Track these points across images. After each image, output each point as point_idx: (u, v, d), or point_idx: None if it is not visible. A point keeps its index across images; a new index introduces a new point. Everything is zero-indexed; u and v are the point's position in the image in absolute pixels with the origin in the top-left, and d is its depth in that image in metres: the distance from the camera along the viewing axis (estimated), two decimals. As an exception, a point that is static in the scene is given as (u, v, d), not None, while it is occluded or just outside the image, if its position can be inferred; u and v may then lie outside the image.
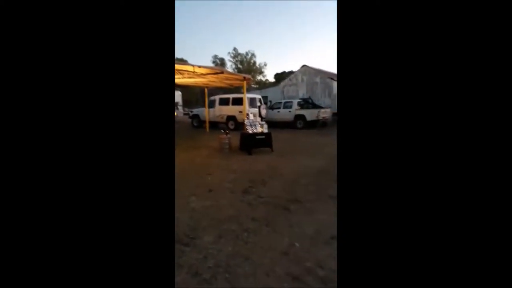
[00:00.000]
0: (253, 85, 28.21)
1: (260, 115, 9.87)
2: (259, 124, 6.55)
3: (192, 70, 6.78)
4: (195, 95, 29.22)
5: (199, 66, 6.37)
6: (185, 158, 5.78)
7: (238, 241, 2.28)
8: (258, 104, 11.35)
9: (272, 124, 10.31)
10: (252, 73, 30.25)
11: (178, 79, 8.13)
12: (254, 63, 35.16)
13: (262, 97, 12.88)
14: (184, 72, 7.27)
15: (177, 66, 6.89)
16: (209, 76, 7.71)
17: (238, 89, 14.21)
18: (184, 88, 14.24)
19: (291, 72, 22.77)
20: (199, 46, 60.36)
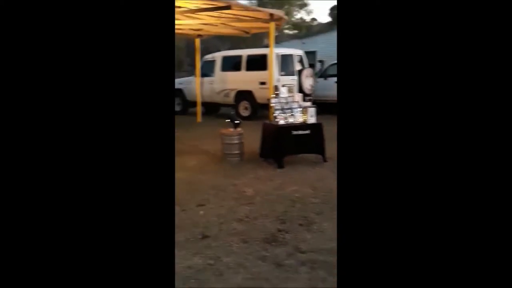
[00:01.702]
0: (287, 31, 28.27)
1: (301, 90, 9.81)
2: (300, 107, 6.50)
3: (177, 5, 6.91)
4: (179, 52, 29.69)
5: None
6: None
7: None
8: (299, 67, 11.32)
9: (325, 106, 10.21)
10: (288, 8, 30.24)
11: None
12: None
13: (307, 53, 12.81)
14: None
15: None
16: (204, 15, 7.81)
17: (258, 39, 14.20)
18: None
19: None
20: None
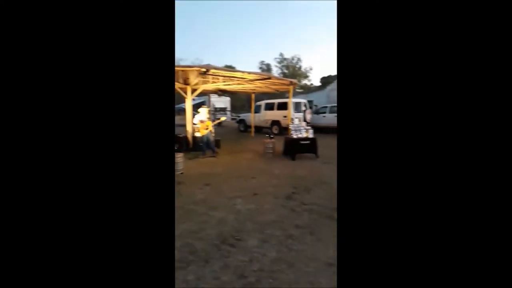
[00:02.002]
0: (297, 90, 27.93)
1: (305, 120, 9.69)
2: (304, 128, 6.43)
3: (241, 77, 7.02)
4: (242, 101, 30.18)
5: (249, 73, 6.57)
6: (231, 161, 5.99)
7: (281, 247, 2.27)
8: (303, 108, 11.18)
9: (317, 129, 10.04)
10: (298, 78, 29.93)
11: (228, 86, 8.50)
12: (300, 67, 34.78)
13: (307, 101, 12.64)
14: (233, 78, 7.58)
15: (227, 73, 7.22)
16: (256, 82, 7.89)
17: (282, 94, 14.23)
18: (232, 94, 14.81)
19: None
20: (246, 53, 62.35)
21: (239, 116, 14.82)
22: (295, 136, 6.27)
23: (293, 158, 6.04)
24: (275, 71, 34.36)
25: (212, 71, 6.39)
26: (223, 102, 18.19)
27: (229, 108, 18.64)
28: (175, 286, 1.66)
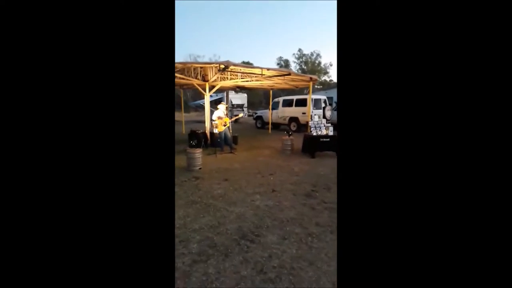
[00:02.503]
0: (317, 86, 27.41)
1: (324, 117, 9.48)
2: (324, 126, 6.29)
3: (260, 73, 6.99)
4: (259, 97, 30.17)
5: (268, 69, 6.53)
6: (249, 157, 6.00)
7: (302, 245, 2.24)
8: (323, 105, 10.95)
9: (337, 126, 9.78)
10: (317, 74, 29.33)
11: (246, 82, 8.50)
12: (319, 63, 34.01)
13: (327, 98, 12.35)
14: (252, 74, 7.56)
15: (245, 70, 7.22)
16: (275, 78, 7.82)
17: (301, 91, 14.01)
18: (249, 90, 14.82)
19: (359, 72, 21.16)
20: (264, 49, 62.06)
21: (256, 113, 14.81)
22: (314, 134, 6.15)
23: (312, 156, 5.95)
24: (293, 67, 33.88)
25: (231, 67, 6.41)
26: (240, 98, 18.24)
27: (246, 105, 18.67)
28: (175, 287, 1.71)
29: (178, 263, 1.98)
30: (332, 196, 3.43)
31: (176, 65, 5.99)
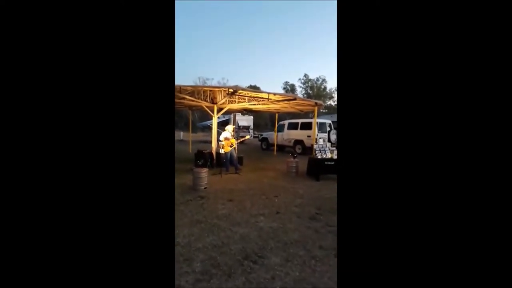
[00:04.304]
0: (322, 110, 27.79)
1: (329, 140, 9.56)
2: (329, 149, 6.37)
3: (267, 97, 7.24)
4: (265, 119, 30.68)
5: (274, 94, 6.78)
6: (253, 178, 6.04)
7: (305, 267, 2.23)
8: (328, 129, 11.09)
9: (342, 150, 9.80)
10: (322, 98, 29.93)
11: (253, 106, 8.77)
12: (325, 88, 34.87)
13: (332, 122, 12.54)
14: (259, 99, 7.84)
15: (253, 94, 7.50)
16: (281, 102, 8.06)
17: (306, 114, 14.28)
18: (255, 113, 15.16)
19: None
20: (271, 73, 64.09)
21: (261, 134, 15.01)
22: (319, 157, 6.22)
23: (317, 179, 5.96)
24: (299, 92, 34.73)
25: (239, 91, 6.69)
26: (247, 120, 18.63)
27: (252, 127, 19.00)
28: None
29: (182, 281, 1.99)
30: (336, 220, 3.41)
31: (186, 87, 6.30)
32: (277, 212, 3.66)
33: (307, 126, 10.90)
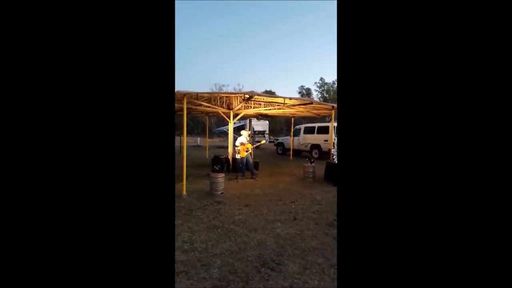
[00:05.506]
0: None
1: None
2: (347, 154, 6.23)
3: (283, 102, 7.22)
4: (280, 124, 30.58)
5: (290, 98, 6.76)
6: (270, 183, 6.01)
7: (324, 276, 2.17)
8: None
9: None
10: (339, 102, 29.38)
11: (269, 111, 8.79)
12: (341, 91, 34.27)
13: (350, 126, 12.27)
14: (274, 104, 7.84)
15: (268, 99, 7.52)
16: (297, 106, 8.01)
17: (323, 119, 14.07)
18: (271, 117, 15.18)
19: (383, 100, 20.87)
20: (286, 78, 64.04)
21: (277, 139, 14.98)
22: (337, 161, 6.09)
23: (335, 184, 5.81)
24: (315, 96, 34.37)
25: (255, 97, 6.73)
26: (262, 125, 18.66)
27: (267, 131, 19.01)
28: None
29: (200, 287, 2.01)
30: (356, 227, 3.30)
31: (203, 94, 6.44)
32: (294, 218, 3.61)
33: (324, 130, 10.74)
